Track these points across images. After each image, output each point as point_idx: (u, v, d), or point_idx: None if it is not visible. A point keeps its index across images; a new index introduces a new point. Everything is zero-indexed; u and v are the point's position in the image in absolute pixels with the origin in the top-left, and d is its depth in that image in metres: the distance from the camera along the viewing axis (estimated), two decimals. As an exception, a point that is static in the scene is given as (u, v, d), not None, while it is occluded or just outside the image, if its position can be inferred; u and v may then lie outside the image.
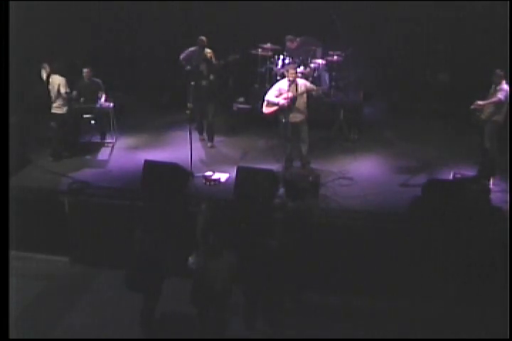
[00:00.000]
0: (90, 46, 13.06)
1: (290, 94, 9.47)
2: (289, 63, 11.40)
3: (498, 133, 9.33)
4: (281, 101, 9.50)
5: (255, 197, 8.58)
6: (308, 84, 9.78)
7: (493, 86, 9.28)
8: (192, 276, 7.05)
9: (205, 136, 10.94)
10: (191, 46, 11.52)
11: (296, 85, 9.51)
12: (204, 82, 10.28)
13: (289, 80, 9.50)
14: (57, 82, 10.21)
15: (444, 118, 11.45)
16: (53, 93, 10.27)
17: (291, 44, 11.62)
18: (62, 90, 10.17)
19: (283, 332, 7.66)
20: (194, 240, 7.52)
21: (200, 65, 10.54)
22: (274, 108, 9.60)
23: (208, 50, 11.12)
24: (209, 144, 10.79)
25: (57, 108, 10.33)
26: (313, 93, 9.83)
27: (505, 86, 9.12)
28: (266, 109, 9.71)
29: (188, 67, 11.21)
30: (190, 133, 10.11)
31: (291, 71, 9.53)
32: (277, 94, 9.60)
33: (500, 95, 9.05)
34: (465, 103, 9.47)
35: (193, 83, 10.34)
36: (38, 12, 11.98)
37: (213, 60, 11.24)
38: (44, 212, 9.11)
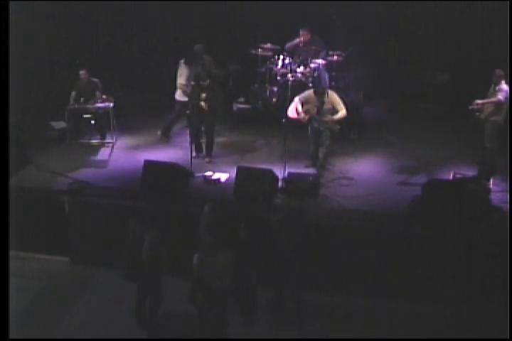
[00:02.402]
0: (90, 46, 13.06)
1: (314, 110, 9.42)
2: (289, 63, 11.40)
3: (498, 133, 9.33)
4: (302, 114, 9.46)
5: (255, 197, 8.58)
6: (337, 103, 9.54)
7: (492, 86, 9.28)
8: (192, 276, 7.05)
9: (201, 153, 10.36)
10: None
11: (323, 101, 9.46)
12: (198, 102, 9.88)
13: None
14: (180, 72, 10.69)
15: (444, 118, 11.46)
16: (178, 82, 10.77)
17: (305, 36, 11.56)
18: (180, 81, 10.66)
19: (282, 332, 7.68)
20: (194, 240, 7.52)
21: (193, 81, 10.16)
22: (296, 117, 9.54)
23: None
24: (207, 159, 10.24)
25: (179, 95, 10.78)
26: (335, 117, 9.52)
27: (504, 86, 9.11)
28: (291, 113, 9.59)
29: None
30: (190, 133, 10.11)
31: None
32: (305, 101, 9.54)
33: (500, 95, 9.05)
34: (465, 103, 9.47)
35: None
36: (38, 12, 11.99)
37: (212, 68, 11.14)
38: (44, 212, 9.11)
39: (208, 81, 9.94)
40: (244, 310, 7.75)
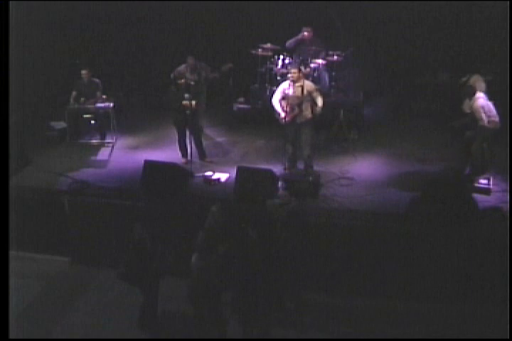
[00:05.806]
0: (91, 46, 13.06)
1: (296, 111, 9.31)
2: (289, 63, 11.39)
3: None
4: (282, 114, 9.34)
5: (255, 197, 8.59)
6: (310, 86, 9.45)
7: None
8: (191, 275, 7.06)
9: (190, 156, 10.08)
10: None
11: (302, 88, 9.27)
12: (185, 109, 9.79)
13: (292, 81, 9.32)
14: None
15: (444, 118, 11.45)
16: None
17: (308, 34, 11.55)
18: None
19: (282, 332, 7.68)
20: (194, 240, 7.52)
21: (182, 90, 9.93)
22: (280, 113, 9.44)
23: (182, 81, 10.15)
24: (207, 159, 10.22)
25: None
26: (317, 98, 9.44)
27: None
28: (277, 105, 9.50)
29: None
30: (190, 133, 10.11)
31: (294, 70, 9.33)
32: (281, 96, 9.42)
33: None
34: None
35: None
36: (38, 12, 11.99)
37: (208, 73, 11.11)
38: (44, 212, 9.11)
39: (192, 82, 9.93)
40: (243, 309, 7.75)
